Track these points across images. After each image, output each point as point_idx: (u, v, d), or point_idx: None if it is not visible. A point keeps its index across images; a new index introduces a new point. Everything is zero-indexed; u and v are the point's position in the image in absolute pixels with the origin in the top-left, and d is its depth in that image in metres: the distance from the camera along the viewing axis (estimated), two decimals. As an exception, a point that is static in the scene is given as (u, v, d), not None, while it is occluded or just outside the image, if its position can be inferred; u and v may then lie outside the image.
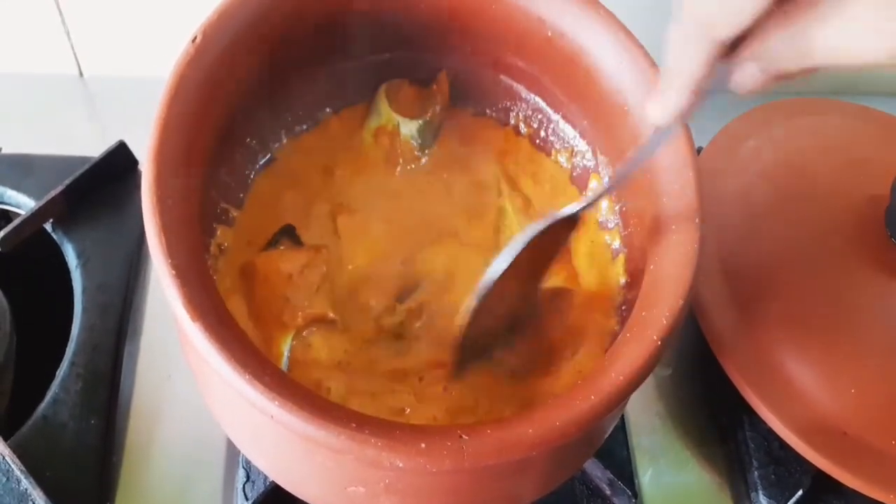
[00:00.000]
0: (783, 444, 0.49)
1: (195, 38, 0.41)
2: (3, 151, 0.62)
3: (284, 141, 0.51)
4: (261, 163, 0.50)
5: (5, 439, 0.48)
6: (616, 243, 0.49)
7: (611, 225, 0.50)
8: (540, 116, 0.53)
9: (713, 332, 0.52)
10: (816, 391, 0.50)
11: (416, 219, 0.51)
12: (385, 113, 0.52)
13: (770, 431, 0.50)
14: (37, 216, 0.57)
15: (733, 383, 0.50)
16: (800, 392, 0.50)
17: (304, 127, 0.52)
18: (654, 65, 0.44)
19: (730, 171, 0.59)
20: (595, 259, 0.50)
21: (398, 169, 0.52)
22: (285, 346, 0.44)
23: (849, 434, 0.49)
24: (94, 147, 0.60)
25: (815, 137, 0.62)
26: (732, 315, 0.52)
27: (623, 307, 0.47)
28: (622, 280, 0.48)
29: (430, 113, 0.52)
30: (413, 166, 0.52)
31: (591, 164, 0.51)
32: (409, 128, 0.52)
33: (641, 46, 0.45)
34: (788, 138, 0.61)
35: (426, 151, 0.53)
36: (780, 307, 0.53)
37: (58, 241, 0.59)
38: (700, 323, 0.52)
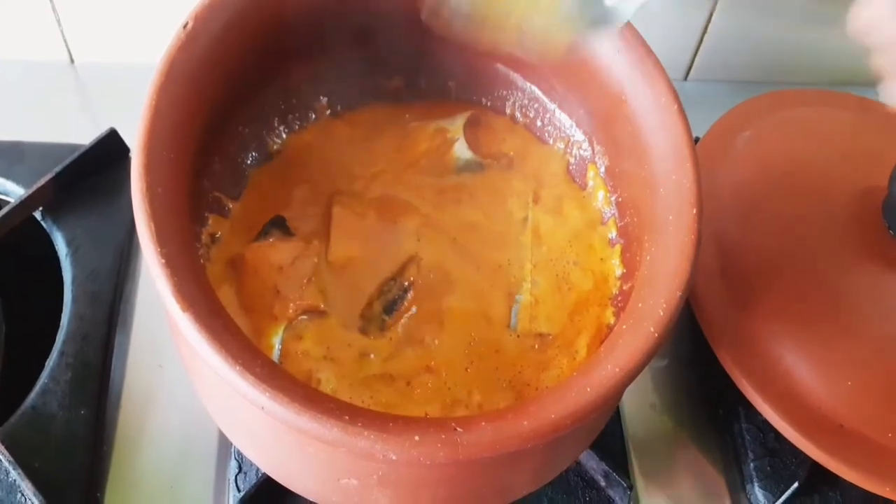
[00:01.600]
0: (779, 436, 0.49)
1: (186, 24, 0.40)
2: (-7, 138, 0.62)
3: (285, 137, 0.51)
4: (258, 155, 0.50)
5: (-6, 430, 0.48)
6: (612, 233, 0.49)
7: (607, 216, 0.49)
8: (536, 106, 0.52)
9: (709, 322, 0.51)
10: (812, 383, 0.49)
11: (414, 213, 0.50)
12: (456, 128, 0.52)
13: (766, 423, 0.49)
14: (26, 204, 0.57)
15: (729, 375, 0.50)
16: (796, 384, 0.49)
17: (304, 122, 0.51)
18: (651, 54, 0.44)
19: (726, 162, 0.58)
20: (582, 261, 0.49)
21: (416, 170, 0.51)
22: (276, 338, 0.44)
23: (844, 426, 0.49)
24: (84, 134, 0.60)
25: (813, 128, 0.62)
26: (728, 306, 0.52)
27: (619, 298, 0.47)
28: (618, 271, 0.48)
29: (494, 152, 0.52)
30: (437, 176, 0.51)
31: (587, 154, 0.51)
32: (462, 151, 0.52)
33: (640, 36, 0.44)
34: (785, 129, 0.61)
35: (461, 173, 0.52)
36: (777, 298, 0.52)
37: (47, 230, 0.58)
38: (696, 314, 0.52)
